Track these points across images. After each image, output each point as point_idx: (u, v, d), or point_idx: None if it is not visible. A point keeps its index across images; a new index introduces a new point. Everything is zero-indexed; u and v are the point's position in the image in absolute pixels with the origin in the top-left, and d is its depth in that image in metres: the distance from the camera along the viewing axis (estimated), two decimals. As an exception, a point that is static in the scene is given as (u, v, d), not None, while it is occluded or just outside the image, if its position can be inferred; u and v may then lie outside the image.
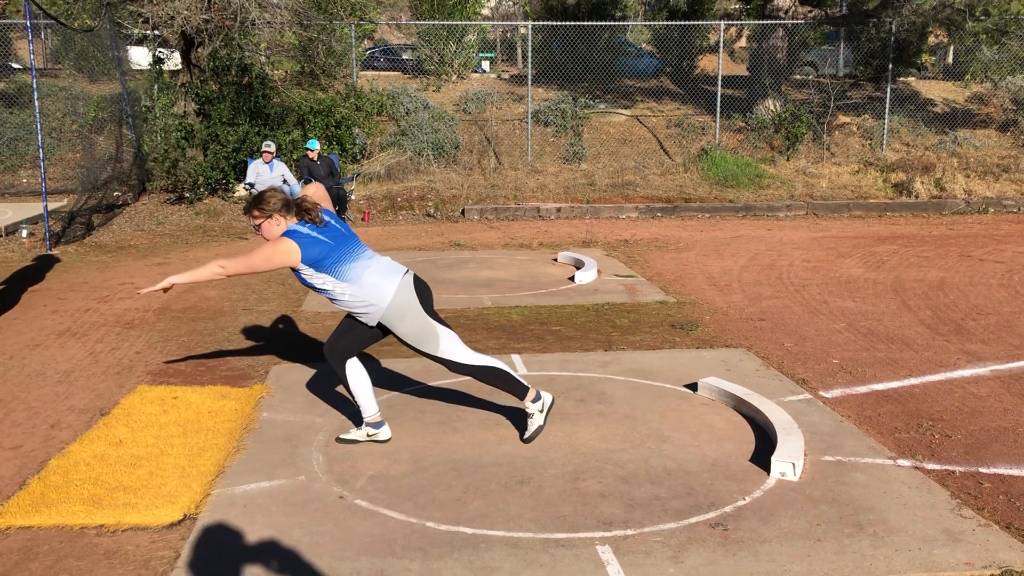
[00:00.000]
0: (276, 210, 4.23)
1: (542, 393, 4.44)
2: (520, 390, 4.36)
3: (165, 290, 4.46)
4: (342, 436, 4.41)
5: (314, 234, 4.19)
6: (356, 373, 4.34)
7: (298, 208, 4.26)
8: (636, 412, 4.82)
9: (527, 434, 4.39)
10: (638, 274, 8.70)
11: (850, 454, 4.24)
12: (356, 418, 4.66)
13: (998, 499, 3.79)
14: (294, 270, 4.21)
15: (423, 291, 4.33)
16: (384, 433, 4.40)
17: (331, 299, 4.25)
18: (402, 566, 3.23)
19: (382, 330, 4.32)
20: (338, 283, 4.17)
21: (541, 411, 4.40)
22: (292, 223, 4.24)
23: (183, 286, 4.50)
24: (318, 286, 4.20)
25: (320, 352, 6.02)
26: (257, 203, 4.25)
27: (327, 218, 4.30)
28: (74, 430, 4.61)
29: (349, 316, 4.35)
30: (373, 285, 4.19)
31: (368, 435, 4.39)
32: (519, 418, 4.70)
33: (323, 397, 5.07)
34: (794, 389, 5.21)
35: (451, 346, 4.29)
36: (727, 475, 4.01)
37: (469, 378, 5.14)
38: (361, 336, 4.33)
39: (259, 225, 4.26)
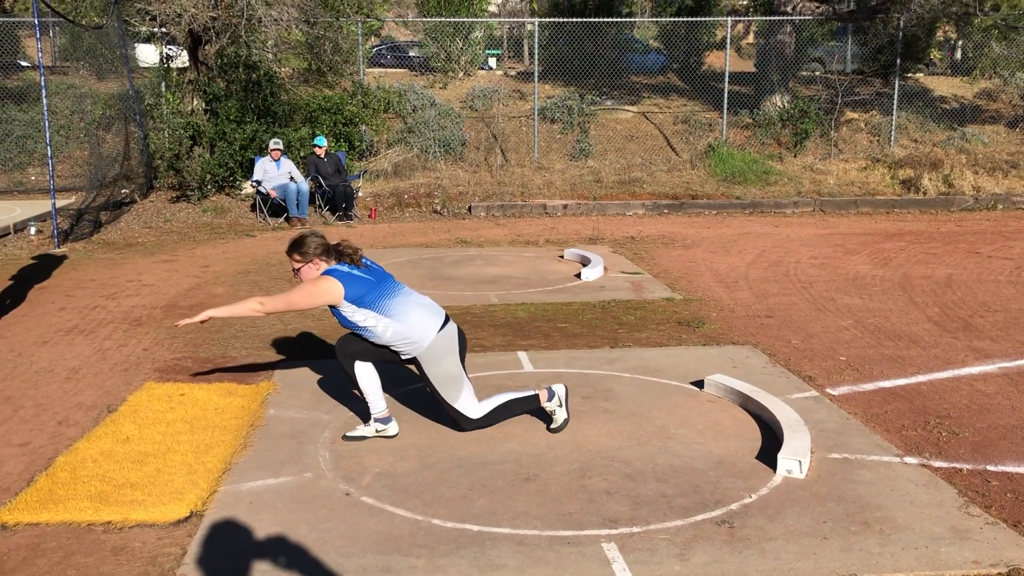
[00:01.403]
0: (317, 255, 4.26)
1: (552, 388, 4.46)
2: (532, 404, 4.42)
3: (202, 322, 4.50)
4: (349, 434, 4.41)
5: (355, 272, 4.23)
6: (365, 371, 4.35)
7: (338, 252, 4.29)
8: (642, 409, 4.82)
9: (554, 426, 4.46)
10: (645, 271, 8.69)
11: (857, 452, 4.23)
12: (363, 415, 4.67)
13: (1006, 497, 3.78)
14: (333, 309, 4.21)
15: (462, 342, 4.39)
16: (392, 429, 4.42)
17: (367, 336, 4.24)
18: (408, 563, 3.24)
19: (406, 361, 4.35)
20: (381, 319, 4.18)
21: (560, 405, 4.46)
22: (332, 265, 4.25)
23: (221, 320, 4.60)
24: (359, 323, 4.19)
25: (327, 349, 6.03)
26: (298, 247, 4.27)
27: (365, 260, 4.34)
28: (82, 427, 4.63)
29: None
30: (417, 322, 4.22)
31: (377, 431, 4.41)
32: (527, 416, 4.71)
33: (329, 394, 5.08)
34: (801, 386, 5.20)
35: (468, 403, 4.34)
36: (733, 472, 4.00)
37: (475, 375, 5.15)
38: (379, 354, 4.33)
39: (298, 269, 4.28)
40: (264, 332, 6.49)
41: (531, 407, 4.46)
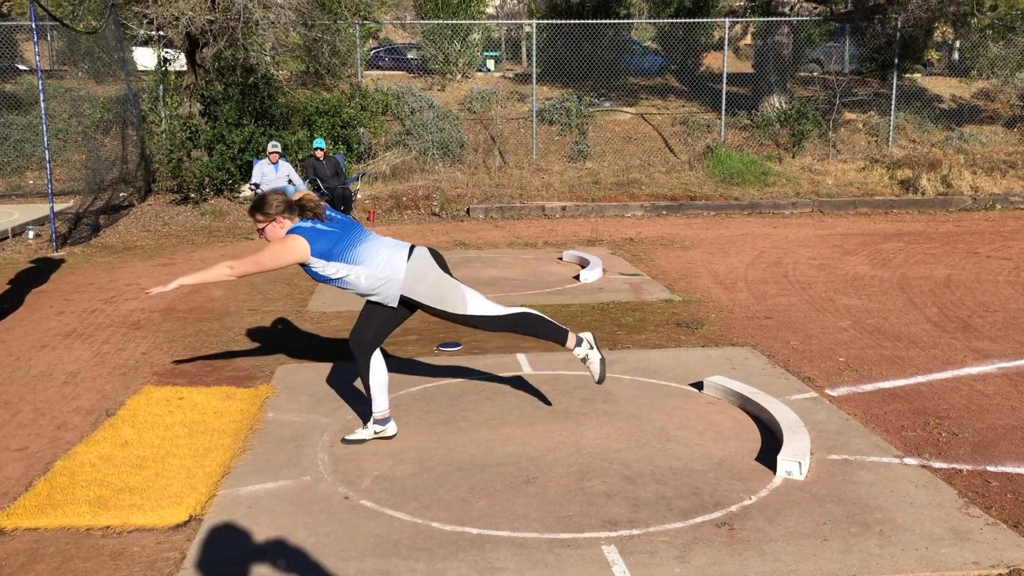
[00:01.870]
0: (280, 212, 4.24)
1: (580, 335, 4.44)
2: (559, 334, 4.36)
3: (173, 291, 4.45)
4: (348, 437, 4.41)
5: (319, 227, 4.21)
6: (377, 368, 4.35)
7: (300, 208, 4.28)
8: (641, 411, 4.81)
9: (597, 376, 4.41)
10: (643, 272, 8.69)
11: (856, 453, 4.22)
12: (363, 418, 4.67)
13: (1006, 497, 3.77)
14: (304, 267, 4.21)
15: (439, 258, 4.35)
16: (390, 429, 4.42)
17: (346, 287, 4.23)
18: (407, 566, 3.23)
19: (406, 307, 4.33)
20: (352, 267, 4.17)
21: (591, 348, 4.41)
22: (296, 222, 4.25)
23: (191, 287, 4.53)
24: (331, 276, 4.18)
25: (326, 352, 6.02)
26: (260, 207, 4.26)
27: (329, 213, 4.33)
28: (80, 431, 4.62)
29: (369, 302, 4.34)
30: (387, 259, 4.20)
31: (375, 432, 4.40)
32: (525, 417, 4.70)
33: (328, 397, 5.08)
34: (800, 387, 5.20)
35: (479, 302, 4.28)
36: (733, 474, 4.00)
37: (475, 377, 5.14)
38: (385, 321, 4.33)
39: (263, 229, 4.27)
40: (263, 335, 6.49)
41: (558, 336, 4.34)
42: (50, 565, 3.28)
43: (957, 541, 3.38)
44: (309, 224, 4.22)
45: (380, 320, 4.33)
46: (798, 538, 3.41)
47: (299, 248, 4.12)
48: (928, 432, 4.52)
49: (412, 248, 4.30)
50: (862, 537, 3.42)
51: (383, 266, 4.19)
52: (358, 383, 5.30)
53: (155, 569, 3.25)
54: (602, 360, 4.44)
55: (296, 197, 4.36)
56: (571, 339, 4.40)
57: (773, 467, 4.01)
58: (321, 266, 4.17)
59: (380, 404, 4.38)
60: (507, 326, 4.32)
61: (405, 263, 4.22)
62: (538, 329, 4.35)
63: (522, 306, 4.41)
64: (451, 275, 4.34)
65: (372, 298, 4.29)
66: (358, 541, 3.43)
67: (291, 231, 4.19)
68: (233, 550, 3.37)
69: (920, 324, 6.69)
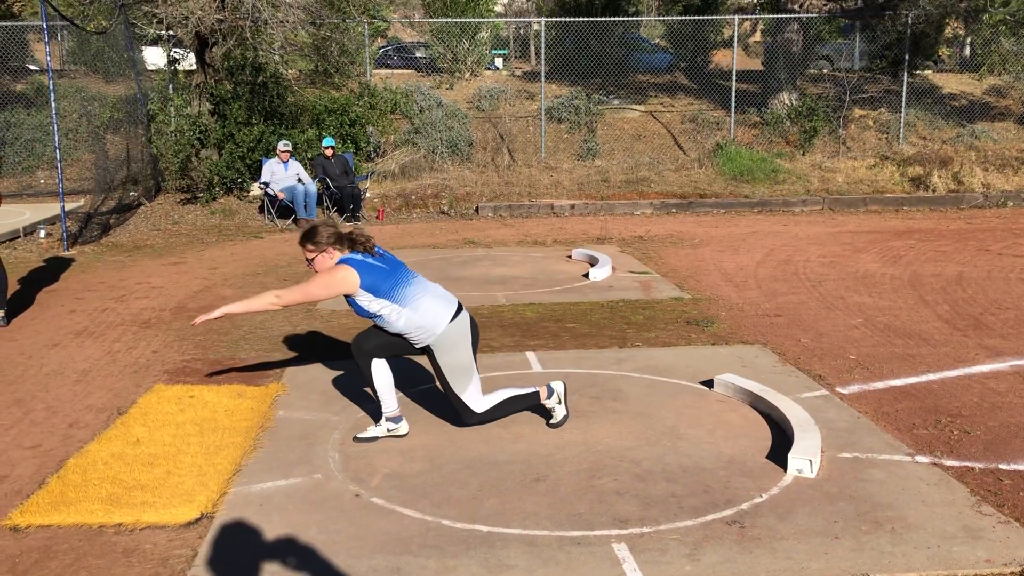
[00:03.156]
0: (330, 243, 4.24)
1: (552, 386, 4.51)
2: (533, 400, 4.47)
3: (218, 319, 4.45)
4: (359, 435, 4.42)
5: (369, 261, 4.22)
6: (381, 371, 4.36)
7: (351, 241, 4.28)
8: (651, 409, 4.81)
9: (553, 422, 4.52)
10: (653, 270, 8.67)
11: (868, 451, 4.21)
12: (374, 415, 4.68)
13: (1018, 496, 3.75)
14: (349, 299, 4.21)
15: (475, 332, 4.39)
16: (403, 428, 4.43)
17: (382, 324, 4.26)
18: (418, 564, 3.24)
19: (419, 350, 4.36)
20: (395, 307, 4.18)
21: (559, 402, 4.51)
22: (345, 254, 4.24)
23: (236, 314, 4.57)
24: (375, 312, 4.20)
25: (336, 350, 6.04)
26: (311, 237, 4.25)
27: (378, 249, 4.35)
28: (92, 429, 4.64)
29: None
30: (430, 309, 4.22)
31: (388, 430, 4.42)
32: (534, 416, 4.70)
33: (339, 395, 5.09)
34: (811, 385, 5.18)
35: (474, 396, 4.35)
36: (744, 472, 3.99)
37: (484, 375, 5.14)
38: (394, 345, 4.34)
39: (312, 259, 4.26)
40: (273, 333, 6.51)
41: (531, 404, 4.48)
42: (63, 562, 3.30)
43: (969, 539, 3.36)
44: (360, 257, 4.23)
45: (389, 342, 4.34)
46: (809, 536, 3.41)
47: (349, 279, 4.11)
48: (940, 430, 4.50)
49: (459, 308, 4.32)
50: (873, 535, 3.41)
51: (426, 316, 4.21)
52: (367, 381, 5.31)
53: (167, 566, 3.26)
54: (565, 416, 4.54)
55: (346, 231, 4.36)
56: (542, 393, 4.49)
57: (784, 465, 4.00)
58: (367, 301, 4.17)
59: (389, 404, 4.39)
60: (483, 421, 4.42)
61: (448, 323, 4.24)
62: (514, 408, 4.46)
63: (496, 391, 4.48)
64: (475, 352, 4.38)
65: (403, 336, 4.29)
66: (369, 539, 3.43)
67: (341, 261, 4.18)
68: (244, 547, 3.38)
69: (931, 322, 6.66)
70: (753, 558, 3.25)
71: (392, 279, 4.21)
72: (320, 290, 4.16)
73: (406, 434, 4.45)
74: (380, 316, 4.22)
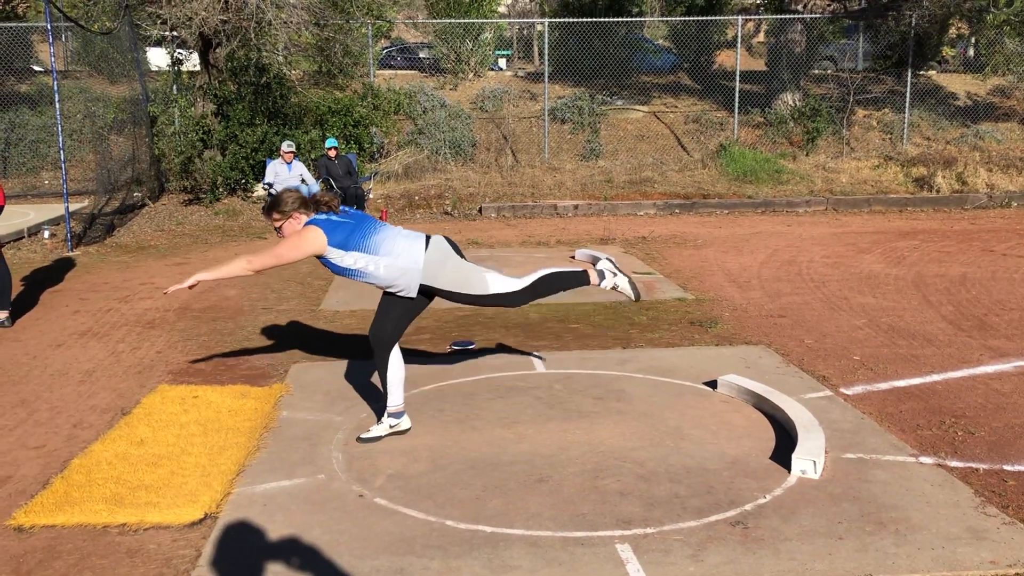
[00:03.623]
0: (295, 209, 4.28)
1: (601, 268, 4.51)
2: (583, 280, 4.45)
3: (191, 287, 4.46)
4: (363, 436, 4.42)
5: (334, 219, 4.26)
6: (396, 363, 4.38)
7: (316, 204, 4.33)
8: (655, 410, 4.80)
9: (632, 296, 4.53)
10: (656, 271, 8.67)
11: (872, 451, 4.20)
12: (378, 415, 4.68)
13: (1023, 497, 3.75)
14: (321, 259, 4.22)
15: (454, 245, 4.38)
16: (404, 423, 4.45)
17: (364, 279, 4.25)
18: (422, 564, 3.24)
19: (424, 296, 4.36)
20: (370, 257, 4.19)
21: (614, 274, 4.51)
22: (311, 216, 4.29)
23: (209, 283, 4.53)
24: (350, 267, 4.20)
25: (340, 351, 6.04)
26: (275, 206, 4.29)
27: (343, 208, 4.40)
28: (96, 429, 4.65)
29: (386, 294, 4.37)
30: (405, 248, 4.23)
31: (390, 426, 4.43)
32: (538, 416, 4.70)
33: (342, 396, 5.09)
34: (814, 386, 5.17)
35: (499, 280, 4.34)
36: (747, 473, 3.98)
37: (487, 376, 5.15)
38: (404, 313, 4.36)
39: (280, 227, 4.29)
40: (277, 334, 6.51)
41: (581, 283, 4.45)
42: (67, 562, 3.31)
43: (974, 540, 3.36)
44: (324, 217, 4.26)
45: (398, 313, 4.36)
46: (813, 537, 3.40)
47: (316, 239, 4.14)
48: (944, 431, 4.49)
49: (428, 238, 4.32)
50: (877, 536, 3.40)
51: (401, 256, 4.21)
52: (372, 380, 5.32)
53: (171, 566, 3.27)
54: (630, 281, 4.54)
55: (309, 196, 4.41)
56: (593, 277, 4.46)
57: (788, 466, 4.00)
58: (339, 256, 4.18)
59: (396, 398, 4.40)
60: (530, 296, 4.37)
61: (423, 253, 4.23)
62: (560, 284, 4.41)
63: (536, 271, 4.45)
64: (466, 260, 4.38)
65: (391, 290, 4.31)
66: (372, 539, 3.43)
67: (308, 222, 4.22)
68: (248, 548, 3.38)
69: (935, 322, 6.65)
70: (757, 559, 3.25)
71: (359, 231, 4.21)
72: (289, 251, 4.17)
73: (408, 429, 4.46)
74: (358, 270, 4.21)
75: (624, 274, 4.56)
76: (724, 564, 3.21)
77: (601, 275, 4.50)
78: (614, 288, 4.52)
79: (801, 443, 4.09)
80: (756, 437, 4.41)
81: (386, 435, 4.42)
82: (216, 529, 3.52)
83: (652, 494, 3.78)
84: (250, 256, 4.30)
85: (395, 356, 4.38)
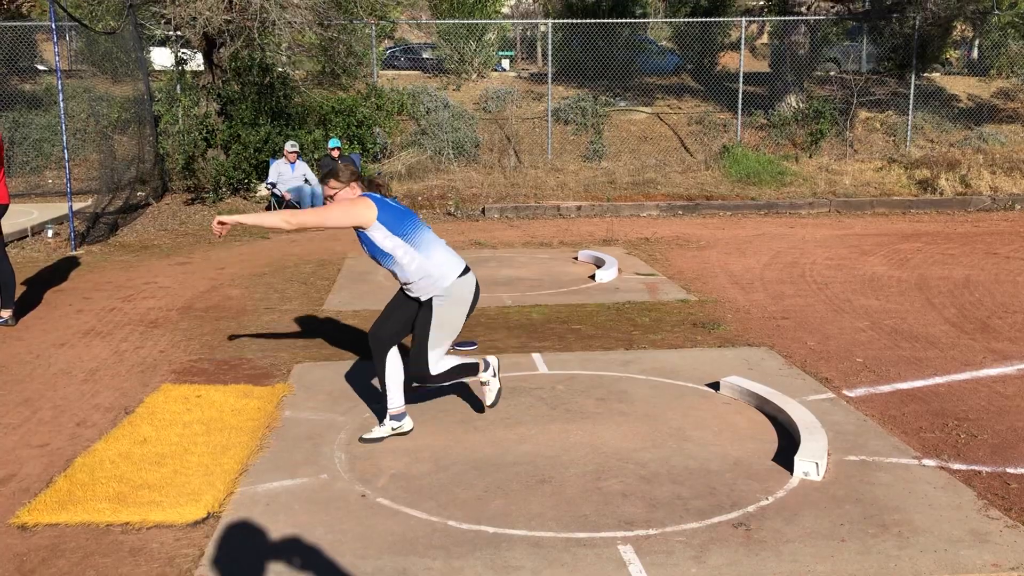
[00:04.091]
0: (353, 180, 4.33)
1: (488, 359, 4.56)
2: (472, 372, 4.49)
3: (224, 224, 4.32)
4: (365, 436, 4.42)
5: (388, 201, 4.31)
6: (394, 364, 4.40)
7: (370, 183, 4.43)
8: (657, 411, 4.81)
9: (490, 402, 4.54)
10: (659, 272, 8.67)
11: (874, 454, 4.20)
12: (379, 415, 4.68)
13: (1026, 500, 3.74)
14: (363, 236, 4.23)
15: (476, 298, 4.43)
16: (407, 424, 4.46)
17: (391, 267, 4.28)
18: (424, 564, 3.24)
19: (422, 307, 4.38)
20: (408, 249, 4.21)
21: (494, 375, 4.53)
22: (366, 191, 4.37)
23: (247, 225, 4.63)
24: (387, 249, 4.21)
25: (342, 351, 6.04)
26: (334, 175, 4.33)
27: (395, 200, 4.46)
28: (99, 428, 4.65)
29: (399, 293, 4.43)
30: (442, 261, 4.27)
31: (392, 428, 4.44)
32: (540, 417, 4.71)
33: (345, 396, 5.10)
34: (817, 388, 5.17)
35: (439, 356, 4.36)
36: (750, 474, 3.98)
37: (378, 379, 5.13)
38: (409, 318, 4.39)
39: (334, 195, 4.32)
40: (280, 333, 6.52)
41: (471, 375, 4.49)
42: (71, 560, 3.31)
43: (976, 543, 3.36)
44: (378, 196, 4.30)
45: (403, 317, 4.39)
46: (815, 539, 3.40)
47: (368, 210, 4.15)
48: (947, 433, 4.49)
49: (467, 268, 4.36)
50: (880, 538, 3.40)
51: (438, 264, 4.25)
52: (375, 381, 5.32)
53: (174, 565, 3.27)
54: (499, 391, 4.56)
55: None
56: (481, 367, 4.52)
57: (790, 468, 4.00)
58: (382, 236, 4.19)
59: (396, 400, 4.41)
60: (437, 381, 4.39)
61: (455, 277, 4.27)
62: (457, 376, 4.45)
63: (448, 356, 4.51)
64: (464, 319, 4.42)
65: (407, 288, 4.34)
66: (375, 539, 3.44)
67: (363, 196, 4.27)
68: (251, 547, 3.39)
69: (938, 325, 6.65)
70: (759, 560, 3.25)
71: (408, 222, 4.26)
72: (338, 214, 4.15)
73: (410, 430, 4.46)
74: (392, 257, 4.23)
75: (499, 384, 4.57)
76: (726, 565, 3.22)
77: (486, 365, 4.53)
78: (485, 384, 4.54)
79: (803, 445, 4.09)
80: (758, 439, 4.41)
81: (388, 436, 4.43)
82: (219, 528, 3.53)
83: (654, 495, 3.78)
84: (296, 212, 4.27)
85: (393, 357, 4.39)
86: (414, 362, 4.33)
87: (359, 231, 4.23)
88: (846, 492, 3.79)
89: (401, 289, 4.43)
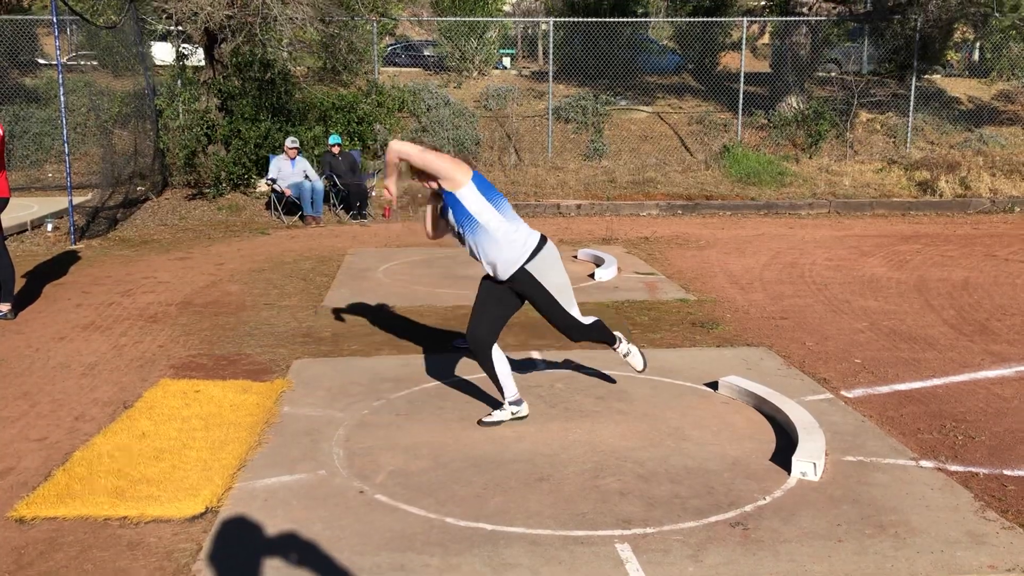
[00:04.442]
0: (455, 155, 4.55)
1: (618, 336, 4.88)
2: (610, 339, 4.83)
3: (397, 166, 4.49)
4: (485, 420, 4.56)
5: (478, 173, 4.51)
6: (499, 359, 4.57)
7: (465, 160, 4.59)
8: (656, 410, 4.81)
9: (641, 367, 4.95)
10: (659, 272, 8.68)
11: (872, 454, 4.21)
12: (378, 413, 4.68)
13: (1022, 502, 3.75)
14: (451, 198, 4.35)
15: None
16: (524, 409, 4.62)
17: (475, 233, 4.40)
18: (422, 561, 3.25)
19: (518, 298, 4.56)
20: (496, 214, 4.37)
21: (628, 342, 4.94)
22: None
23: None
24: (473, 212, 4.35)
25: (341, 347, 6.05)
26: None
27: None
28: (98, 422, 4.66)
29: (484, 284, 4.58)
30: (524, 229, 4.48)
31: (512, 412, 4.57)
32: (539, 415, 4.71)
33: (344, 392, 5.10)
34: (815, 388, 5.18)
35: (578, 311, 4.66)
36: (747, 474, 3.99)
37: (488, 376, 5.15)
38: (500, 314, 4.53)
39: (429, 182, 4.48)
40: (279, 330, 6.52)
41: (609, 340, 4.83)
42: (68, 554, 3.32)
43: (973, 544, 3.36)
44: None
45: (494, 314, 4.54)
46: (812, 539, 3.41)
47: (465, 168, 4.36)
48: (944, 435, 4.50)
49: (544, 237, 4.57)
50: (877, 539, 3.41)
51: (522, 233, 4.45)
52: (374, 377, 5.32)
53: (171, 560, 3.27)
54: (640, 355, 4.97)
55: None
56: (617, 343, 4.88)
57: (788, 468, 4.01)
58: (473, 197, 4.33)
59: (510, 389, 4.56)
60: (587, 334, 4.71)
61: (536, 244, 4.47)
62: (603, 334, 4.78)
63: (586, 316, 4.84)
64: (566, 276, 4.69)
65: (493, 265, 4.44)
66: (373, 535, 3.44)
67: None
68: (248, 542, 3.39)
69: (937, 326, 6.66)
70: (756, 560, 3.25)
71: (495, 192, 4.46)
72: (437, 159, 4.32)
73: (527, 416, 4.59)
74: (478, 222, 4.36)
75: (636, 349, 4.97)
76: (723, 565, 3.22)
77: (619, 342, 4.90)
78: (627, 355, 4.94)
79: (801, 445, 4.10)
80: (756, 439, 4.42)
81: (507, 420, 4.55)
82: (217, 523, 3.53)
83: (652, 494, 3.79)
84: (405, 143, 4.38)
85: (497, 353, 4.55)
86: (568, 330, 4.61)
87: (448, 196, 4.36)
88: (843, 492, 3.80)
89: (486, 278, 4.58)
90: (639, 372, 4.99)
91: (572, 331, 4.65)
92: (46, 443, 4.39)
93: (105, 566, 3.24)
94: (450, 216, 4.47)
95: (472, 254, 4.54)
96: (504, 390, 4.58)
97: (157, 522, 3.56)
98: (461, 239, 4.53)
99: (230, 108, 13.29)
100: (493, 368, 4.54)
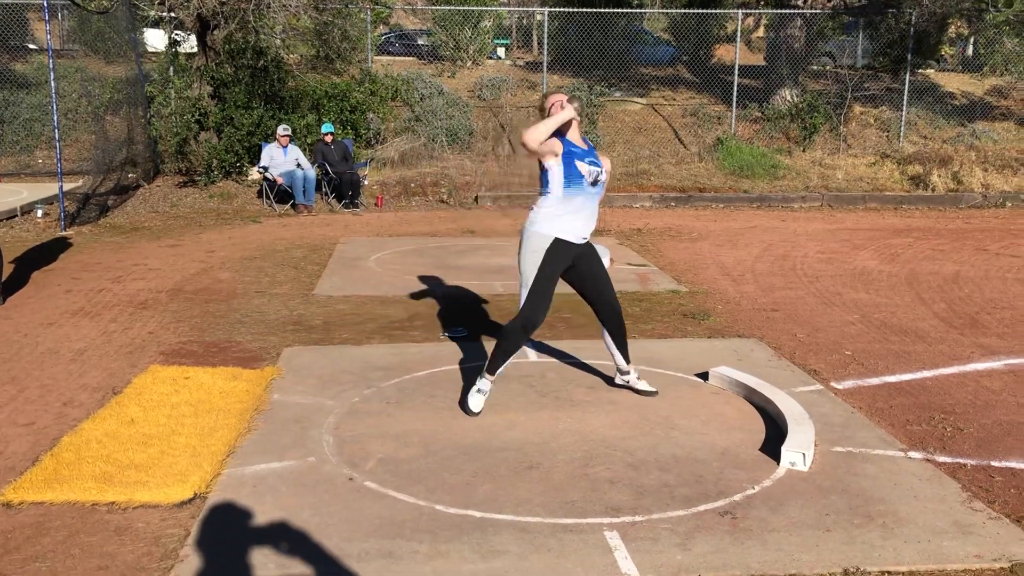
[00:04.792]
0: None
1: (498, 373, 4.69)
2: (494, 368, 4.62)
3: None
4: (471, 396, 4.59)
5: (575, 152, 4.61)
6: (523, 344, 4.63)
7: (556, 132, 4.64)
8: (646, 400, 4.81)
9: (479, 410, 4.65)
10: (651, 263, 8.68)
11: (861, 445, 4.22)
12: (368, 400, 4.68)
13: (1009, 492, 3.77)
14: (543, 170, 4.58)
15: (585, 264, 4.85)
16: (489, 393, 4.67)
17: (545, 186, 4.59)
18: (410, 548, 3.25)
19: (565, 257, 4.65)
20: (561, 187, 4.55)
21: (492, 379, 4.68)
22: None
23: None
24: (550, 177, 4.56)
25: (332, 335, 6.03)
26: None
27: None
28: (86, 408, 4.64)
29: (545, 268, 4.58)
30: (560, 216, 4.60)
31: (489, 384, 4.62)
32: (530, 404, 4.71)
33: (334, 380, 5.09)
34: (806, 380, 5.19)
35: (525, 299, 4.65)
36: (736, 464, 4.00)
37: (479, 363, 5.15)
38: (547, 281, 4.61)
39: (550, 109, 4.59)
40: (270, 317, 6.50)
41: (494, 367, 4.66)
42: (56, 539, 3.30)
43: (959, 534, 3.38)
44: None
45: (550, 292, 4.63)
46: (800, 528, 3.42)
47: (557, 141, 4.51)
48: (933, 427, 4.51)
49: (578, 241, 4.71)
50: (864, 529, 3.42)
51: (555, 214, 4.57)
52: (364, 365, 5.31)
53: (159, 545, 3.27)
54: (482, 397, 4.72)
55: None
56: (490, 377, 4.68)
57: (777, 458, 4.01)
58: (557, 168, 4.52)
59: (500, 372, 4.61)
60: (521, 330, 4.61)
61: (548, 230, 4.57)
62: (504, 354, 4.62)
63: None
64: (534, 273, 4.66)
65: (535, 225, 4.55)
66: (362, 522, 3.44)
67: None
68: (236, 528, 3.38)
69: (927, 319, 6.68)
70: (744, 549, 3.26)
71: (576, 178, 4.55)
72: (534, 132, 4.42)
73: (487, 397, 4.61)
74: (548, 188, 4.58)
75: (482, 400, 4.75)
76: (711, 553, 3.23)
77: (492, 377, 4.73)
78: (480, 390, 4.69)
79: (791, 436, 4.11)
80: (746, 429, 4.42)
81: (486, 391, 4.60)
82: (205, 509, 3.52)
83: (641, 483, 3.79)
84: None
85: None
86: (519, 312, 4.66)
87: (542, 163, 4.57)
88: (832, 483, 3.81)
89: (550, 263, 4.62)
90: (472, 401, 4.68)
91: (516, 316, 4.67)
92: (34, 428, 4.37)
93: (92, 551, 3.23)
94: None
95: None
96: (498, 370, 4.60)
97: (145, 507, 3.55)
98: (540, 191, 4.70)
99: (222, 95, 13.22)
100: (515, 352, 4.59)
